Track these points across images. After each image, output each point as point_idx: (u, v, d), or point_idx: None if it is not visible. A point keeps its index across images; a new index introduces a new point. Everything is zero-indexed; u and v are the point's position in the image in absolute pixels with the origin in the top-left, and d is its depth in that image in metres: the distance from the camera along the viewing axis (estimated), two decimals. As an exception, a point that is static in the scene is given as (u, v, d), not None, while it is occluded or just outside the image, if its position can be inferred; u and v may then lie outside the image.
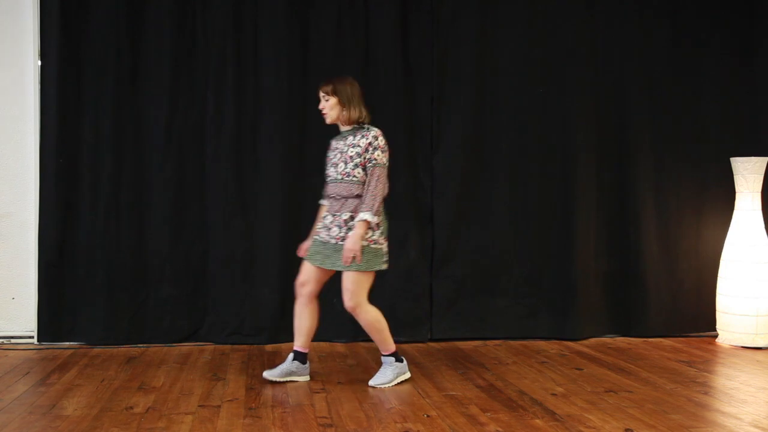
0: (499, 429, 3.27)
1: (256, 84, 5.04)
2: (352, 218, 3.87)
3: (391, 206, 5.08)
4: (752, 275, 4.96)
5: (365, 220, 3.79)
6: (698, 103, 5.38)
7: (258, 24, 5.04)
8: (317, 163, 5.13)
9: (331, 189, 3.96)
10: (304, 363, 4.06)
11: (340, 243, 3.87)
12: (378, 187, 3.82)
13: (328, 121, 3.99)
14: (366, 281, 3.90)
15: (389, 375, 3.97)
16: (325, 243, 3.94)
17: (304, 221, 5.06)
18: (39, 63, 4.92)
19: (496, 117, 5.23)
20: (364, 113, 3.94)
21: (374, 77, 5.12)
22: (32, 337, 4.96)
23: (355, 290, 3.88)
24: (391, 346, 4.01)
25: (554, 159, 5.25)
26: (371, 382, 3.97)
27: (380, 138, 3.88)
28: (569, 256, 5.21)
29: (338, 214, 3.91)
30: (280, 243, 5.02)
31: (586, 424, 3.34)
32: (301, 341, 4.05)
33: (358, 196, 3.87)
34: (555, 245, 5.24)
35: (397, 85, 5.13)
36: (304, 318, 4.05)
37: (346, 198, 3.89)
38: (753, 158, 5.03)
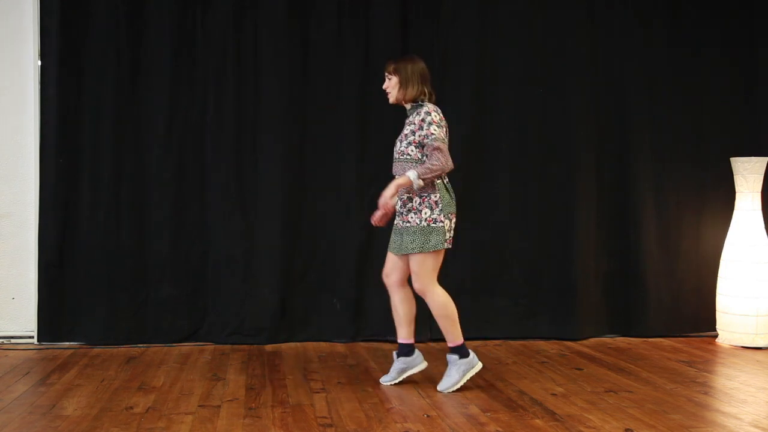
0: (499, 429, 3.27)
1: (256, 84, 5.04)
2: (410, 199, 3.81)
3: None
4: (752, 275, 4.96)
5: (407, 177, 3.70)
6: (698, 103, 5.38)
7: (258, 24, 5.04)
8: (317, 163, 5.16)
9: (393, 169, 3.91)
10: (410, 355, 3.97)
11: (400, 226, 3.84)
12: (435, 162, 3.72)
13: (391, 100, 3.93)
14: (431, 261, 3.81)
15: (454, 376, 3.85)
16: (395, 229, 3.92)
17: (304, 221, 5.08)
18: (39, 63, 4.92)
19: (496, 117, 5.23)
20: (426, 91, 3.86)
21: (374, 77, 5.10)
22: (32, 337, 4.96)
23: (419, 272, 3.82)
24: (458, 338, 3.86)
25: (554, 159, 5.25)
26: (439, 388, 3.86)
27: (433, 113, 3.77)
28: (569, 256, 5.21)
29: (400, 195, 3.84)
30: (280, 243, 5.02)
31: (586, 424, 3.33)
32: (403, 332, 3.97)
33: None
34: (555, 245, 5.24)
35: (397, 85, 5.12)
36: (398, 308, 3.97)
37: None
38: (753, 158, 5.03)
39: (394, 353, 4.02)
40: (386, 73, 3.93)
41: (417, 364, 4.00)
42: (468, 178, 5.19)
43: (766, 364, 4.54)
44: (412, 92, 3.85)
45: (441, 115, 3.82)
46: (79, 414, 3.45)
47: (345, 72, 5.10)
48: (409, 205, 3.82)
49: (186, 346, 4.92)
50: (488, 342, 5.09)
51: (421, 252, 3.79)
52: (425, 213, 3.79)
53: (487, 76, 5.22)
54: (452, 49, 5.19)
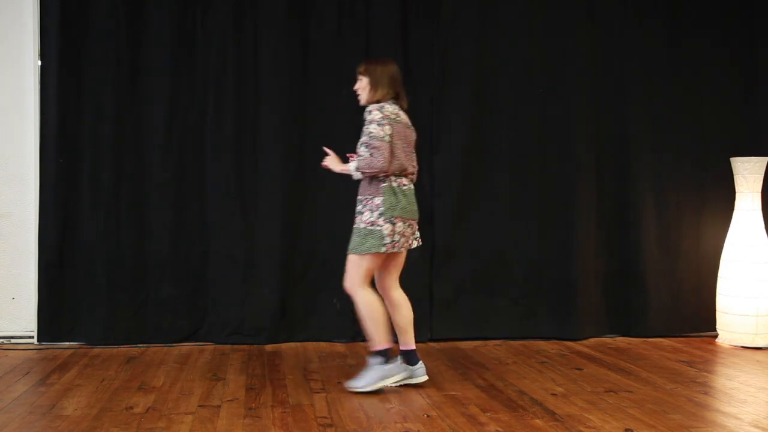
0: (499, 429, 3.27)
1: (256, 84, 5.04)
2: (360, 201, 3.84)
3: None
4: (752, 275, 4.96)
5: (348, 167, 3.81)
6: (698, 103, 5.38)
7: (258, 24, 5.04)
8: (317, 163, 5.14)
9: None
10: (412, 364, 3.90)
11: (356, 226, 3.84)
12: (369, 159, 3.71)
13: (361, 102, 3.92)
14: (362, 263, 3.78)
15: (367, 378, 3.80)
16: None
17: (303, 221, 5.08)
18: (39, 63, 4.92)
19: (496, 117, 5.23)
20: (388, 95, 3.84)
21: (374, 77, 5.12)
22: (32, 337, 4.96)
23: (350, 271, 3.83)
24: (379, 344, 3.80)
25: (554, 159, 5.25)
26: (348, 383, 3.87)
27: (375, 112, 3.74)
28: (569, 256, 5.21)
29: (357, 196, 3.89)
30: (280, 243, 5.02)
31: (586, 424, 3.33)
32: (400, 339, 3.95)
33: (369, 177, 3.81)
34: (555, 245, 5.24)
35: (397, 85, 5.13)
36: (395, 311, 3.96)
37: (360, 180, 3.86)
38: (753, 158, 5.03)
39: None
40: (358, 74, 3.93)
41: (417, 374, 3.93)
42: (468, 178, 5.19)
43: (766, 364, 4.54)
44: (380, 94, 3.84)
45: (385, 113, 3.75)
46: (79, 414, 3.45)
47: (345, 72, 5.09)
48: (359, 207, 3.85)
49: (186, 346, 4.92)
50: (488, 342, 5.09)
51: (354, 253, 3.79)
52: (365, 216, 3.80)
53: (487, 76, 5.22)
54: (452, 49, 5.19)
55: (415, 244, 3.98)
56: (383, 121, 3.74)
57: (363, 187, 3.86)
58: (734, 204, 5.15)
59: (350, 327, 5.06)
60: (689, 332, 5.34)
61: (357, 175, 3.83)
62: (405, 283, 5.09)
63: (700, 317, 5.34)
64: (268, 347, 4.93)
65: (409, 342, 3.95)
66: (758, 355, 4.77)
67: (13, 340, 4.98)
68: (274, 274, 5.03)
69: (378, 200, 3.78)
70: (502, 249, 5.23)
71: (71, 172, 4.92)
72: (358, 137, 5.23)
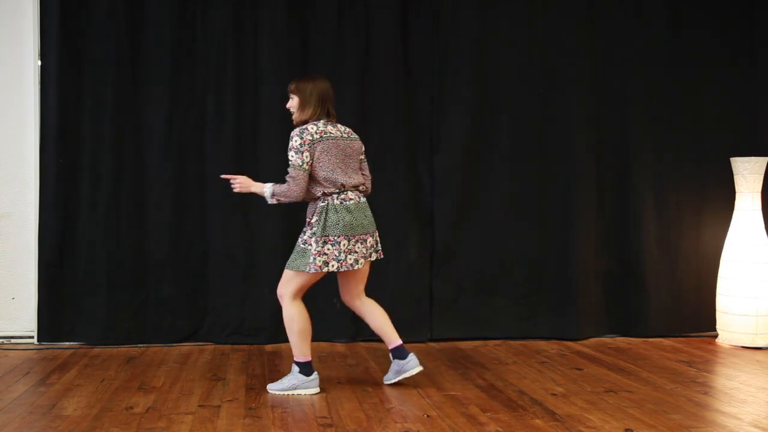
0: (499, 429, 3.27)
1: (256, 84, 5.04)
2: (306, 222, 3.83)
3: (391, 206, 5.12)
4: (752, 275, 4.96)
5: (263, 188, 3.78)
6: (698, 103, 5.38)
7: (258, 24, 5.04)
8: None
9: None
10: (402, 358, 3.91)
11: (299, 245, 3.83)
12: (284, 187, 3.71)
13: (294, 121, 3.87)
14: (293, 278, 3.80)
15: (284, 383, 3.81)
16: None
17: (303, 221, 5.07)
18: (39, 63, 4.92)
19: (496, 117, 5.23)
20: (315, 114, 3.79)
21: (374, 77, 5.12)
22: (32, 337, 4.96)
23: (282, 281, 3.85)
24: (301, 356, 3.81)
25: (554, 159, 5.25)
26: (269, 386, 3.87)
27: (295, 138, 3.70)
28: (569, 256, 5.21)
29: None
30: (280, 243, 5.01)
31: (586, 424, 3.33)
32: (384, 340, 3.97)
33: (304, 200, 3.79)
34: (555, 245, 5.24)
35: (397, 85, 5.13)
36: (366, 318, 4.00)
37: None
38: (753, 158, 5.03)
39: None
40: (289, 92, 3.89)
41: (409, 367, 3.92)
42: (468, 178, 5.20)
43: (766, 364, 4.54)
44: (308, 113, 3.80)
45: (305, 138, 3.70)
46: (79, 414, 3.45)
47: (345, 72, 5.10)
48: (305, 229, 3.83)
49: (186, 346, 4.92)
50: (488, 342, 5.09)
51: (287, 268, 3.83)
52: (305, 234, 3.80)
53: (487, 76, 5.21)
54: (452, 49, 5.19)
55: (374, 257, 3.94)
56: (301, 148, 3.69)
57: (308, 206, 3.86)
58: (734, 204, 5.15)
59: (350, 327, 5.06)
60: (689, 332, 5.34)
61: (272, 201, 3.79)
62: (405, 283, 5.13)
63: (700, 317, 5.34)
64: (268, 347, 4.93)
65: (391, 340, 3.95)
66: (758, 355, 4.77)
67: (13, 340, 4.98)
68: (274, 274, 4.99)
69: (314, 219, 3.78)
70: (502, 249, 5.23)
71: (71, 172, 4.92)
72: (358, 136, 5.25)
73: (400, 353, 3.93)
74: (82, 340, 4.93)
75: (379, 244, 3.99)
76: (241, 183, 3.88)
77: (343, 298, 4.06)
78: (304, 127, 3.76)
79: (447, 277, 5.21)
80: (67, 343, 4.92)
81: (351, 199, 3.80)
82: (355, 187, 3.85)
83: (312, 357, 4.61)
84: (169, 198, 4.99)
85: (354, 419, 3.40)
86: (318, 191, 3.76)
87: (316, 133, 3.73)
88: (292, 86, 3.88)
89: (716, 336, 5.18)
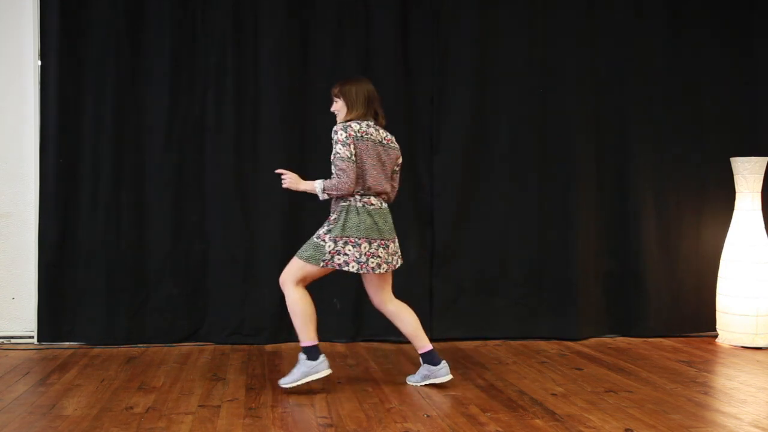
0: (499, 429, 3.27)
1: (256, 84, 5.05)
2: (327, 219, 3.85)
3: (391, 206, 5.10)
4: (752, 275, 4.96)
5: (313, 186, 3.79)
6: (698, 103, 5.38)
7: (258, 24, 5.04)
8: (317, 163, 5.15)
9: None
10: (434, 364, 3.91)
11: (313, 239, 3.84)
12: (334, 181, 3.73)
13: (339, 122, 3.90)
14: (299, 267, 3.80)
15: (295, 375, 3.79)
16: None
17: (303, 221, 5.07)
18: (39, 63, 4.92)
19: (496, 117, 5.23)
20: (363, 114, 3.83)
21: (374, 77, 5.08)
22: (32, 337, 4.96)
23: (288, 268, 3.85)
24: (307, 340, 3.77)
25: (554, 159, 5.25)
26: (279, 381, 3.85)
27: (340, 132, 3.74)
28: (569, 256, 5.21)
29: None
30: (280, 243, 5.01)
31: (586, 424, 3.33)
32: (414, 345, 3.97)
33: (338, 196, 3.81)
34: (555, 245, 5.24)
35: (397, 85, 5.13)
36: (397, 322, 3.99)
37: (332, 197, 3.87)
38: (753, 158, 5.03)
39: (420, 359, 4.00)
40: (332, 96, 3.92)
41: (440, 374, 3.91)
42: (468, 178, 5.20)
43: (766, 364, 4.54)
44: (354, 115, 3.83)
45: (350, 132, 3.73)
46: (79, 414, 3.45)
47: (345, 72, 5.09)
48: (329, 224, 3.83)
49: (186, 346, 4.92)
50: (488, 342, 5.09)
51: (297, 256, 3.83)
52: (322, 228, 3.82)
53: (487, 76, 5.22)
54: (452, 49, 5.19)
55: (398, 264, 3.95)
56: (347, 140, 3.73)
57: (334, 205, 3.88)
58: (734, 204, 5.15)
59: (350, 327, 5.07)
60: (689, 332, 5.34)
61: (323, 196, 3.80)
62: (405, 283, 5.12)
63: (700, 317, 5.34)
64: (268, 347, 4.93)
65: (423, 345, 3.95)
66: (758, 355, 4.77)
67: (13, 340, 4.98)
68: (274, 275, 4.99)
69: (332, 217, 3.81)
70: (502, 249, 5.23)
71: (71, 172, 4.92)
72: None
73: (431, 358, 3.93)
74: (82, 340, 4.93)
75: (399, 251, 3.99)
76: (291, 179, 3.89)
77: (374, 302, 4.03)
78: (346, 123, 3.79)
79: (447, 277, 5.21)
80: (67, 343, 4.92)
81: (373, 204, 3.82)
82: (380, 194, 3.86)
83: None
84: (169, 198, 4.99)
85: (354, 419, 3.40)
86: None
87: (358, 131, 3.77)
88: (335, 89, 3.90)
89: (716, 336, 5.18)
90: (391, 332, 5.07)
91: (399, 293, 5.06)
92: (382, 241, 3.81)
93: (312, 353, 3.79)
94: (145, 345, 4.92)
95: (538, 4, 5.25)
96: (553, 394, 3.81)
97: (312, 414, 3.48)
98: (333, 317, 5.08)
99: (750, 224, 5.05)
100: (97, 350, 4.79)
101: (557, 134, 5.25)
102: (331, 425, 3.32)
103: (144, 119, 4.98)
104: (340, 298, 5.11)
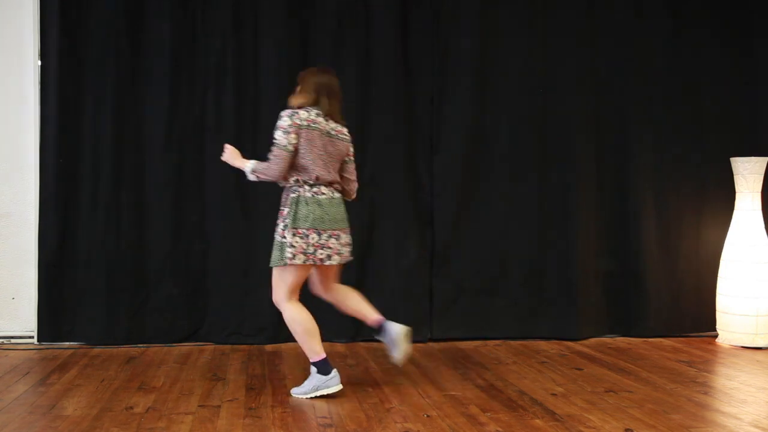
0: (499, 429, 3.27)
1: (256, 84, 5.05)
2: (279, 214, 3.79)
3: (391, 206, 5.12)
4: (752, 275, 4.96)
5: (244, 164, 3.78)
6: (698, 103, 5.38)
7: (258, 24, 5.04)
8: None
9: None
10: (388, 331, 3.85)
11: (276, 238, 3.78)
12: (266, 164, 3.70)
13: (288, 105, 3.86)
14: (282, 276, 3.74)
15: (306, 387, 3.74)
16: None
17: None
18: (39, 63, 4.92)
19: (496, 117, 5.23)
20: (309, 102, 3.77)
21: (374, 77, 5.12)
22: (32, 337, 4.96)
23: (273, 285, 3.81)
24: (314, 355, 3.73)
25: (554, 159, 5.25)
26: (292, 390, 3.80)
27: (285, 118, 3.70)
28: (569, 256, 5.21)
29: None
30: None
31: (586, 424, 3.33)
32: (365, 318, 3.93)
33: (285, 187, 3.78)
34: (555, 245, 5.24)
35: (397, 85, 5.13)
36: (345, 302, 3.97)
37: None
38: (753, 158, 5.03)
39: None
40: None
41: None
42: (468, 178, 5.20)
43: (766, 364, 4.54)
44: (300, 100, 3.79)
45: (295, 120, 3.69)
46: (79, 414, 3.45)
47: (345, 72, 5.09)
48: (281, 220, 3.78)
49: (186, 346, 4.92)
50: (488, 342, 5.09)
51: (272, 266, 3.77)
52: (279, 227, 3.76)
53: (487, 75, 5.21)
54: (452, 49, 5.19)
55: (349, 256, 3.89)
56: (290, 129, 3.70)
57: (282, 197, 3.83)
58: (734, 204, 5.15)
59: (350, 327, 5.06)
60: (689, 332, 5.34)
61: (251, 177, 3.77)
62: (405, 283, 5.12)
63: (700, 317, 5.34)
64: (268, 347, 4.93)
65: (372, 316, 3.90)
66: (758, 355, 4.77)
67: (13, 340, 4.98)
68: (274, 274, 5.02)
69: (285, 211, 3.75)
70: (502, 249, 5.23)
71: (71, 172, 4.92)
72: (358, 137, 5.26)
73: (384, 328, 3.88)
74: (82, 340, 4.93)
75: (350, 245, 3.91)
76: (230, 153, 3.89)
77: (315, 290, 4.00)
78: (295, 110, 3.76)
79: (447, 277, 5.20)
80: (67, 343, 4.92)
81: (324, 194, 3.76)
82: (330, 183, 3.79)
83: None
84: (169, 198, 4.99)
85: (354, 419, 3.40)
86: (292, 177, 3.73)
87: (305, 119, 3.72)
88: (299, 76, 3.91)
89: (716, 336, 5.18)
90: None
91: (399, 293, 5.10)
92: (334, 232, 3.75)
93: (323, 368, 3.74)
94: (145, 345, 4.92)
95: (538, 4, 5.25)
96: (553, 394, 3.81)
97: (312, 414, 3.48)
98: (333, 317, 5.07)
99: (750, 224, 5.05)
100: (97, 350, 4.79)
101: (557, 134, 5.25)
102: (331, 425, 3.32)
103: (144, 119, 4.98)
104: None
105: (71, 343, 4.92)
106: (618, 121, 5.32)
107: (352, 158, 3.93)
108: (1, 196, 5.02)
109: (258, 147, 5.04)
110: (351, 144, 3.92)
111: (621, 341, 5.16)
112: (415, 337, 5.06)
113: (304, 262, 3.69)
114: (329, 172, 3.78)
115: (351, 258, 3.94)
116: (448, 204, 5.19)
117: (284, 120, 3.72)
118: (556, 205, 5.25)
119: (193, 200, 5.03)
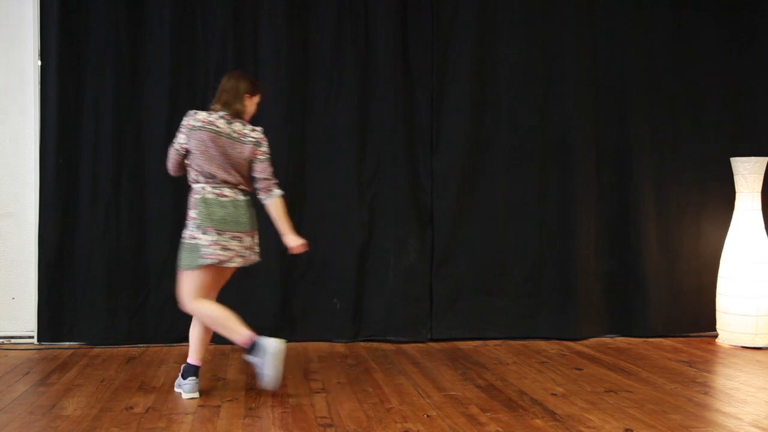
0: (499, 429, 3.27)
1: (256, 84, 5.04)
2: (188, 217, 3.77)
3: (391, 206, 5.12)
4: (752, 275, 4.96)
5: None
6: (698, 102, 5.38)
7: (258, 24, 5.04)
8: (317, 163, 5.15)
9: None
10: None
11: (181, 240, 3.77)
12: (167, 161, 3.88)
13: None
14: (187, 279, 3.71)
15: (264, 369, 3.57)
16: None
17: (303, 221, 5.08)
18: (39, 63, 4.92)
19: (496, 117, 5.22)
20: (218, 104, 3.80)
21: (374, 78, 5.12)
22: (32, 337, 4.96)
23: (179, 289, 3.79)
24: (243, 338, 3.62)
25: (554, 159, 5.25)
26: (265, 386, 3.68)
27: (184, 119, 3.77)
28: (569, 256, 5.21)
29: None
30: (280, 243, 4.99)
31: (586, 424, 3.33)
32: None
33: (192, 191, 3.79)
34: (555, 245, 5.24)
35: (397, 85, 5.13)
36: (199, 324, 3.84)
37: None
38: (753, 158, 5.03)
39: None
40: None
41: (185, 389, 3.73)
42: (468, 178, 5.19)
43: (766, 364, 4.54)
44: (216, 104, 3.82)
45: (190, 122, 3.71)
46: (79, 414, 3.45)
47: (345, 72, 5.10)
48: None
49: (186, 346, 4.88)
50: (488, 342, 5.09)
51: (180, 269, 3.75)
52: (187, 230, 3.74)
53: (486, 76, 5.21)
54: (452, 49, 5.18)
55: (253, 259, 3.86)
56: (182, 129, 3.76)
57: (189, 199, 3.82)
58: (734, 204, 5.15)
59: (350, 327, 5.06)
60: (689, 332, 5.34)
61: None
62: (405, 284, 5.12)
63: (700, 317, 5.34)
64: (268, 347, 4.92)
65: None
66: (758, 355, 4.77)
67: (13, 340, 4.98)
68: (274, 274, 5.03)
69: (193, 213, 3.73)
70: (502, 249, 5.23)
71: (71, 172, 4.92)
72: (358, 136, 5.28)
73: (188, 371, 3.77)
74: (82, 340, 4.93)
75: (258, 248, 3.87)
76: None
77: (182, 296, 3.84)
78: (196, 111, 3.79)
79: (447, 277, 5.20)
80: (67, 343, 4.92)
81: (226, 195, 3.74)
82: (235, 185, 3.77)
83: (312, 357, 4.63)
84: (169, 198, 4.98)
85: (354, 419, 3.40)
86: (192, 175, 3.77)
87: (199, 120, 3.73)
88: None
89: (716, 336, 5.18)
90: (390, 332, 5.08)
91: (399, 293, 5.10)
92: (236, 234, 3.73)
93: (254, 344, 3.60)
94: (145, 345, 4.92)
95: (538, 4, 5.25)
96: (553, 394, 3.81)
97: (312, 414, 3.48)
98: (333, 317, 5.08)
99: (750, 224, 5.05)
100: (97, 350, 4.79)
101: (557, 134, 5.25)
102: (331, 425, 3.32)
103: (144, 119, 4.97)
104: (340, 298, 5.10)
105: (71, 343, 4.92)
106: (618, 120, 5.32)
107: (260, 158, 3.85)
108: (1, 196, 5.02)
109: (258, 147, 5.05)
110: (259, 145, 3.83)
111: (621, 341, 5.16)
112: (415, 337, 5.08)
113: (217, 263, 3.67)
114: (229, 174, 3.75)
115: (256, 260, 3.90)
116: (448, 204, 5.19)
117: (184, 119, 3.78)
118: (555, 206, 5.24)
119: (193, 200, 5.02)
